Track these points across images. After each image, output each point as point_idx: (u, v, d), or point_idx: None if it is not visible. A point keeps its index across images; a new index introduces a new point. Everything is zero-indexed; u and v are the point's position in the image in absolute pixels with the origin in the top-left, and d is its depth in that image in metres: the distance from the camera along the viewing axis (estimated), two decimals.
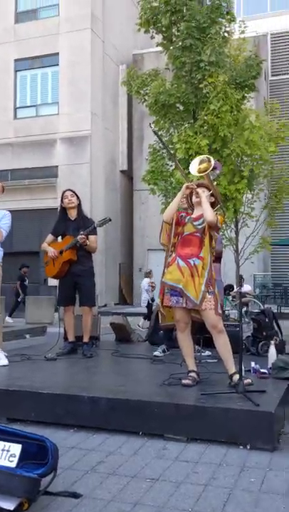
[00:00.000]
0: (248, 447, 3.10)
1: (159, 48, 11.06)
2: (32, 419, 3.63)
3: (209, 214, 3.85)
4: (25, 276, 15.40)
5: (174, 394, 3.64)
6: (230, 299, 11.86)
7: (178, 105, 10.18)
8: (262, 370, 4.16)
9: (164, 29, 10.19)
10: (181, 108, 10.23)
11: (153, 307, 10.34)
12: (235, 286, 11.78)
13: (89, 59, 18.13)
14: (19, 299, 14.63)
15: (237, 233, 11.43)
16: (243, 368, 3.56)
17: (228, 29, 10.43)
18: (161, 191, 10.75)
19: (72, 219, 5.50)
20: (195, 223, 3.95)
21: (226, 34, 10.35)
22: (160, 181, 10.62)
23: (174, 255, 4.00)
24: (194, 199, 4.04)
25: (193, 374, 3.93)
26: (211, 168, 3.98)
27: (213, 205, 4.03)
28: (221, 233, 8.76)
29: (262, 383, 3.87)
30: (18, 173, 18.51)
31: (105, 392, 3.71)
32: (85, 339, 5.47)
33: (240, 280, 11.72)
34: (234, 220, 11.06)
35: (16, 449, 2.50)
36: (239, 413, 3.19)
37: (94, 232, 5.41)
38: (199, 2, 10.12)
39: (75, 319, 5.57)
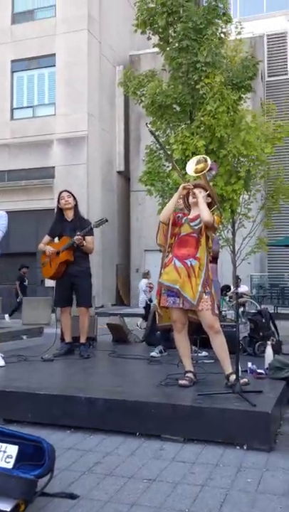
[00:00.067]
0: (245, 447, 3.11)
1: (156, 49, 11.05)
2: (29, 420, 3.62)
3: (206, 214, 3.86)
4: (24, 277, 15.39)
5: (170, 394, 3.64)
6: (227, 299, 11.88)
7: (174, 106, 10.18)
8: (258, 371, 4.16)
9: (160, 30, 10.19)
10: (178, 109, 10.23)
11: (151, 308, 10.34)
12: (232, 287, 11.79)
13: (85, 60, 18.14)
14: (18, 300, 14.62)
15: (234, 234, 11.44)
16: (239, 368, 3.57)
17: (224, 30, 10.43)
18: (158, 192, 10.75)
19: (69, 220, 5.50)
20: (192, 224, 3.95)
21: (222, 35, 10.34)
22: (157, 182, 10.61)
23: (170, 256, 4.00)
24: (191, 199, 4.04)
25: (190, 374, 3.93)
26: (207, 169, 3.98)
27: (209, 205, 4.04)
28: (217, 234, 8.77)
29: (259, 383, 3.87)
30: (15, 174, 18.50)
31: (102, 392, 3.71)
32: (82, 340, 5.47)
33: (236, 281, 11.72)
34: (231, 220, 11.07)
35: (13, 450, 2.50)
36: (236, 413, 3.20)
37: (91, 233, 5.41)
38: (196, 3, 10.12)
39: (71, 320, 5.56)
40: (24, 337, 9.72)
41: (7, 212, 5.03)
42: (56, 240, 5.58)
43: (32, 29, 18.82)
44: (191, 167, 4.06)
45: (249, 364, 4.27)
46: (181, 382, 3.84)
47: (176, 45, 9.78)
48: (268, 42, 21.97)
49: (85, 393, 3.66)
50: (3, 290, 15.57)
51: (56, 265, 5.35)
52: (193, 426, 3.26)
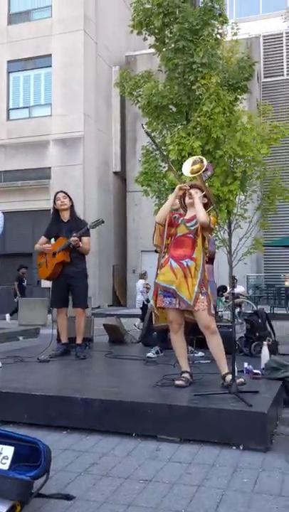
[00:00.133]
0: (241, 448, 3.11)
1: (152, 50, 11.05)
2: (25, 421, 3.62)
3: (202, 215, 3.86)
4: (23, 277, 15.35)
5: (167, 395, 3.64)
6: (224, 300, 11.89)
7: (171, 107, 10.19)
8: (255, 371, 4.17)
9: (156, 31, 10.20)
10: (174, 109, 10.23)
11: (148, 308, 10.34)
12: (228, 288, 11.81)
13: (82, 60, 18.13)
14: (15, 300, 14.59)
15: (230, 234, 11.45)
16: (236, 368, 3.57)
17: (220, 31, 10.45)
18: (155, 193, 10.75)
19: (65, 221, 5.50)
20: (188, 224, 3.96)
21: (218, 36, 10.36)
22: (153, 183, 10.61)
23: (166, 256, 4.00)
24: (187, 200, 4.05)
25: (186, 375, 3.93)
26: (203, 169, 3.99)
27: (206, 206, 4.04)
28: (214, 234, 8.77)
29: (255, 384, 3.87)
30: (11, 175, 18.47)
31: (98, 393, 3.70)
32: (78, 341, 5.46)
33: (233, 281, 11.76)
34: (227, 221, 11.08)
35: (9, 451, 2.49)
36: (232, 414, 3.20)
37: (87, 233, 5.41)
38: (192, 4, 10.13)
39: (68, 321, 5.56)
40: (20, 338, 9.71)
41: (3, 212, 5.02)
42: (52, 240, 5.58)
43: (28, 30, 18.81)
44: (187, 168, 4.07)
45: (245, 364, 4.27)
46: (177, 382, 3.84)
47: (173, 45, 9.80)
48: (264, 43, 22.02)
49: (82, 394, 3.66)
50: (1, 291, 15.57)
51: (52, 266, 5.35)
52: (189, 426, 3.26)
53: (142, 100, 10.28)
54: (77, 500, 2.52)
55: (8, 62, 19.13)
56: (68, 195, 5.54)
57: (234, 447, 3.12)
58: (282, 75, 21.99)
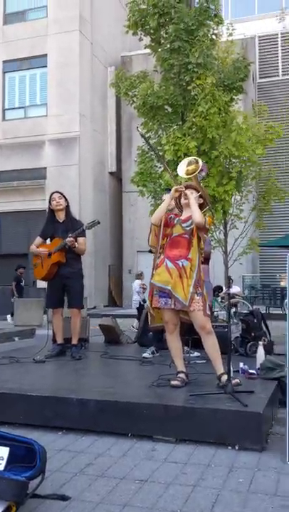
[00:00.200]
0: (237, 448, 3.11)
1: (148, 50, 11.04)
2: (20, 421, 3.61)
3: (197, 215, 3.86)
4: (21, 278, 15.30)
5: (162, 395, 3.65)
6: (220, 300, 11.90)
7: (166, 107, 10.18)
8: (250, 371, 4.18)
9: (152, 31, 10.18)
10: (170, 110, 10.23)
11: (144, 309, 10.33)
12: (224, 288, 11.82)
13: (77, 60, 18.12)
14: (12, 300, 14.55)
15: (226, 235, 11.45)
16: (231, 368, 3.58)
17: (216, 31, 10.44)
18: (150, 193, 10.74)
19: (61, 221, 5.49)
20: (184, 225, 3.96)
21: (213, 36, 10.35)
22: (149, 183, 10.60)
23: (162, 257, 4.01)
24: (183, 200, 4.05)
25: (182, 375, 3.94)
26: (199, 170, 3.99)
27: (201, 206, 4.05)
28: (209, 235, 8.78)
29: (250, 384, 3.88)
30: (7, 175, 18.42)
31: (94, 394, 3.70)
32: (74, 341, 5.46)
33: (228, 281, 11.77)
34: (223, 221, 11.09)
35: (4, 452, 2.49)
36: (228, 414, 3.20)
37: (83, 234, 5.41)
38: (187, 5, 10.12)
39: (63, 321, 5.55)
40: (16, 338, 9.68)
41: None
42: (48, 241, 5.57)
43: (24, 30, 18.78)
44: (182, 168, 4.07)
45: (241, 364, 4.28)
46: (173, 382, 3.85)
47: (168, 46, 9.78)
48: (259, 43, 22.05)
49: (77, 394, 3.66)
50: None
51: (48, 266, 5.34)
52: (185, 426, 3.27)
53: (138, 100, 10.26)
54: (72, 501, 2.52)
55: (4, 62, 19.11)
56: (64, 196, 5.53)
57: (230, 447, 3.13)
58: (278, 75, 22.04)
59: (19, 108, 19.14)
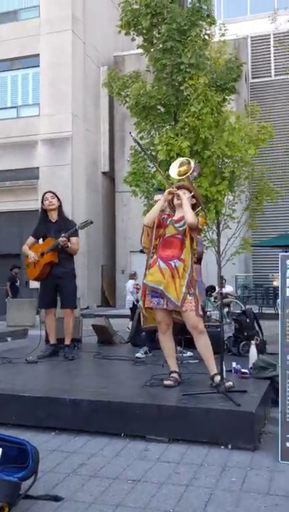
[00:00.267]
0: (230, 447, 3.12)
1: (140, 50, 11.03)
2: (13, 422, 3.60)
3: (190, 216, 3.87)
4: (16, 278, 15.24)
5: (155, 395, 3.65)
6: (212, 300, 11.92)
7: (159, 107, 10.18)
8: (243, 370, 4.19)
9: (144, 31, 10.17)
10: (162, 110, 10.22)
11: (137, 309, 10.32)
12: (217, 288, 11.84)
13: (70, 60, 18.08)
14: (6, 300, 14.50)
15: (219, 235, 11.47)
16: (224, 368, 3.58)
17: (208, 32, 10.44)
18: (143, 193, 10.73)
19: (53, 221, 5.48)
20: (176, 225, 3.97)
21: (206, 37, 10.35)
22: (142, 183, 10.59)
23: (155, 257, 4.01)
24: (176, 201, 4.05)
25: (174, 375, 3.94)
26: (190, 171, 3.99)
27: (194, 206, 4.05)
28: (202, 235, 8.79)
29: (243, 383, 3.89)
30: None
31: (87, 394, 3.70)
32: (67, 341, 5.45)
33: (221, 281, 11.79)
34: (216, 221, 11.11)
35: None
36: (220, 413, 3.21)
37: (75, 234, 5.40)
38: (180, 5, 10.13)
39: (56, 322, 5.54)
40: (8, 339, 9.65)
41: None
42: (40, 241, 5.56)
43: (16, 29, 18.71)
44: (174, 169, 4.08)
45: (233, 364, 4.29)
46: (166, 382, 3.85)
47: (160, 46, 9.78)
48: (251, 44, 22.12)
49: (70, 395, 3.65)
50: None
51: (40, 266, 5.33)
52: (178, 426, 3.27)
53: (130, 100, 10.25)
54: (65, 502, 2.51)
55: None
56: (56, 195, 5.53)
57: (222, 446, 3.14)
58: (270, 75, 22.11)
59: (11, 108, 19.07)
